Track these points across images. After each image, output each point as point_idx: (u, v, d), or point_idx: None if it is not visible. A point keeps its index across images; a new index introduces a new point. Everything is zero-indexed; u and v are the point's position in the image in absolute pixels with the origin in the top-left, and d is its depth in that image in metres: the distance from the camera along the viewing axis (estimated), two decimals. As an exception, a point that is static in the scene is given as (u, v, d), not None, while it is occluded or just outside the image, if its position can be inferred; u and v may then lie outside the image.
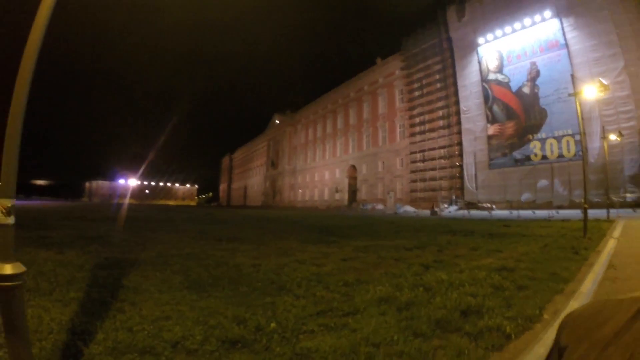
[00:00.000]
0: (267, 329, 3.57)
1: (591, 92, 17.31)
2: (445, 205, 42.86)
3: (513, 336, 3.59)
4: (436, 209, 40.46)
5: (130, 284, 5.31)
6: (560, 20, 40.44)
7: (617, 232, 14.25)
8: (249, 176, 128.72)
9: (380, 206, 55.48)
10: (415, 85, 55.52)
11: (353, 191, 70.26)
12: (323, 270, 6.72)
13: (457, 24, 50.24)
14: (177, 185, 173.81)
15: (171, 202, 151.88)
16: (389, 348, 3.24)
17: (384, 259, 8.22)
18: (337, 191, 72.92)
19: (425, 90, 53.96)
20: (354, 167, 70.88)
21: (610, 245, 10.58)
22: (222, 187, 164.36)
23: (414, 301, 4.66)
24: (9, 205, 2.07)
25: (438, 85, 52.66)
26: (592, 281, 6.06)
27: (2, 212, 2.06)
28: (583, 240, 11.57)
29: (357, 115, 70.60)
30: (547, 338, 3.50)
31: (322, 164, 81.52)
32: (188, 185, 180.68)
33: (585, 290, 5.46)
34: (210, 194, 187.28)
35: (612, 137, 28.27)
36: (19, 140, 2.12)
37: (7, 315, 2.10)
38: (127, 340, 3.20)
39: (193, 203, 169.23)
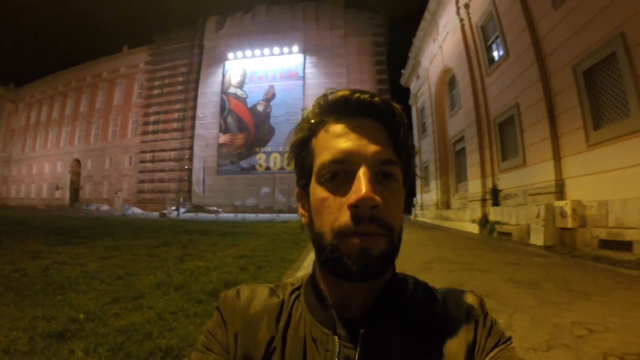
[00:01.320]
0: (80, 319, 3.75)
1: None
2: (174, 208, 43.14)
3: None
4: (166, 211, 40.27)
5: None
6: (304, 57, 48.28)
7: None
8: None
9: (105, 207, 50.67)
10: (157, 83, 53.79)
11: (75, 189, 61.34)
12: (89, 268, 6.70)
13: (213, 34, 52.07)
14: None
15: None
16: (184, 312, 4.07)
17: (138, 255, 8.54)
18: (57, 188, 61.85)
19: (165, 90, 52.98)
20: (78, 162, 62.09)
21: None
22: None
23: (185, 282, 5.54)
24: None
25: (179, 87, 52.60)
26: (310, 261, 8.17)
27: None
28: (301, 235, 14.24)
29: (90, 104, 62.01)
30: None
31: (43, 154, 67.55)
32: None
33: (307, 266, 7.60)
34: None
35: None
36: None
37: None
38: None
39: None
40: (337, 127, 0.60)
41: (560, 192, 10.30)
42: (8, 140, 74.36)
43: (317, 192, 0.60)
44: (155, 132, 52.80)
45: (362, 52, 47.06)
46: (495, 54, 14.97)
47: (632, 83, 7.83)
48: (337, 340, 0.60)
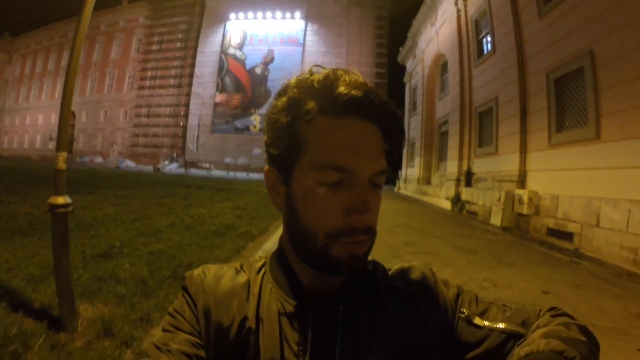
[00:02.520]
0: (117, 246, 4.90)
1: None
2: (167, 163, 43.81)
3: (257, 235, 6.42)
4: (159, 166, 41.05)
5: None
6: (306, 23, 48.65)
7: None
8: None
9: (99, 159, 51.39)
10: (156, 39, 53.51)
11: (69, 141, 60.71)
12: (107, 212, 7.77)
13: (215, -7, 51.63)
14: None
15: None
16: (196, 244, 5.37)
17: (147, 204, 9.69)
18: (51, 139, 60.46)
19: (164, 46, 52.85)
20: (72, 114, 60.18)
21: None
22: None
23: (194, 224, 6.90)
24: (66, 155, 2.66)
25: (178, 44, 52.56)
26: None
27: (63, 162, 2.64)
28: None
29: (87, 56, 59.86)
30: (274, 237, 6.55)
31: (37, 105, 66.31)
32: None
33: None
34: None
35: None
36: (70, 109, 2.78)
37: (59, 234, 2.74)
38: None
39: None
40: (341, 127, 0.56)
41: (522, 181, 11.52)
42: (1, 91, 72.66)
43: (310, 185, 0.57)
44: (151, 87, 52.85)
45: (363, 25, 47.44)
46: (484, 48, 15.90)
47: (592, 97, 8.78)
48: (310, 313, 0.60)
